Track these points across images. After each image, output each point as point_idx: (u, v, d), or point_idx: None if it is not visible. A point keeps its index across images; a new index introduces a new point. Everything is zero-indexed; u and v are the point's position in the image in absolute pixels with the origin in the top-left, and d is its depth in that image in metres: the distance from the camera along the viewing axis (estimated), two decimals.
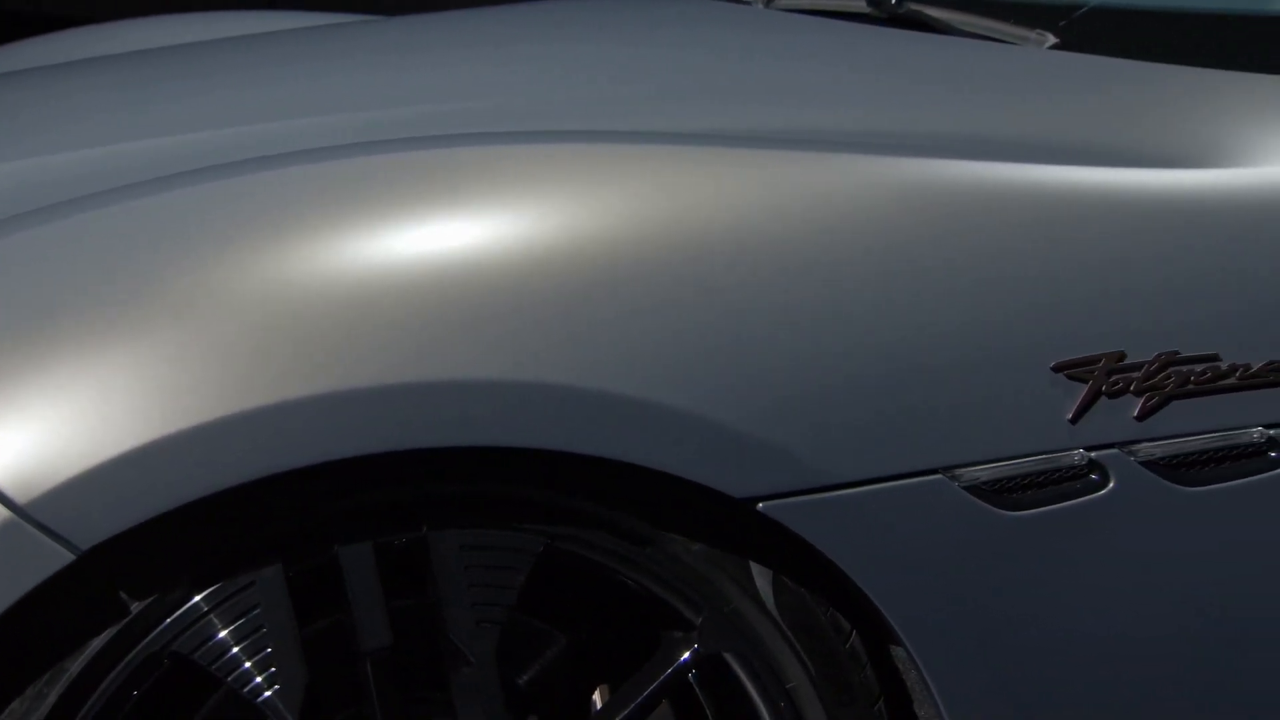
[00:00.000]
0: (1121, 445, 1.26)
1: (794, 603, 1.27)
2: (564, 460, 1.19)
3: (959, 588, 1.24)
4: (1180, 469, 1.28)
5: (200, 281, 1.13)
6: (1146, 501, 1.27)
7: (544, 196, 1.19)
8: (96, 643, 1.15)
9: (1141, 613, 1.28)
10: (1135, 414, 1.26)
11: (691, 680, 1.29)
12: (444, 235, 1.16)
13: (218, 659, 1.17)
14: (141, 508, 1.11)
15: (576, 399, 1.16)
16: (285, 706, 1.17)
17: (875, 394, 1.21)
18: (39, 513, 1.09)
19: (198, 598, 1.18)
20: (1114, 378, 1.26)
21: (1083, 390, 1.25)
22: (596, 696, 1.36)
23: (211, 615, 1.17)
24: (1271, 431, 1.29)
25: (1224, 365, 1.27)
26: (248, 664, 1.17)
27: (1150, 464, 1.27)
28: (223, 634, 1.17)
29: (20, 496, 1.08)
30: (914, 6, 1.74)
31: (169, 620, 1.17)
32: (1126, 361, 1.26)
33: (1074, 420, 1.25)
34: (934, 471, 1.23)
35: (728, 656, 1.27)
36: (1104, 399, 1.25)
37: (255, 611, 1.17)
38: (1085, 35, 1.57)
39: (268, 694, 1.17)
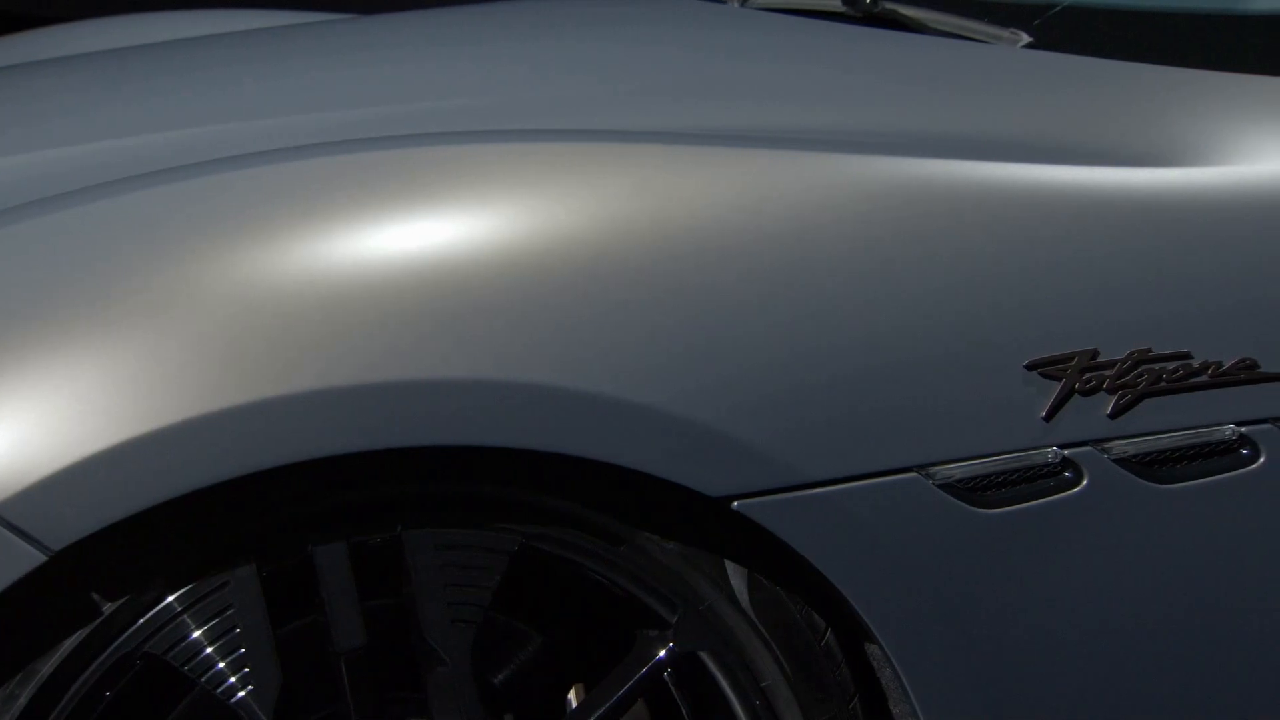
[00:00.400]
0: (1095, 443, 1.27)
1: (769, 601, 1.27)
2: (539, 459, 1.19)
3: (934, 585, 1.25)
4: (1153, 466, 1.28)
5: (173, 280, 1.12)
6: (1120, 499, 1.27)
7: (520, 195, 1.19)
8: (68, 643, 1.15)
9: (1115, 609, 1.29)
10: (1108, 412, 1.27)
11: (667, 679, 1.29)
12: (419, 234, 1.16)
13: (191, 659, 1.17)
14: (114, 508, 1.10)
15: (551, 398, 1.16)
16: (259, 707, 1.17)
17: (850, 393, 1.21)
18: (10, 513, 1.08)
19: (171, 598, 1.17)
20: (1087, 376, 1.26)
21: (1056, 388, 1.26)
22: (572, 695, 1.36)
23: (185, 615, 1.17)
24: (1243, 429, 1.29)
25: (1196, 363, 1.28)
26: (221, 664, 1.17)
27: (1123, 461, 1.27)
28: (196, 634, 1.17)
29: None
30: (889, 5, 1.74)
31: (142, 621, 1.16)
32: (1099, 359, 1.26)
33: (1048, 418, 1.26)
34: (908, 470, 1.23)
35: (703, 655, 1.27)
36: (1077, 397, 1.26)
37: (229, 612, 1.17)
38: (1059, 34, 1.58)
39: (241, 694, 1.17)
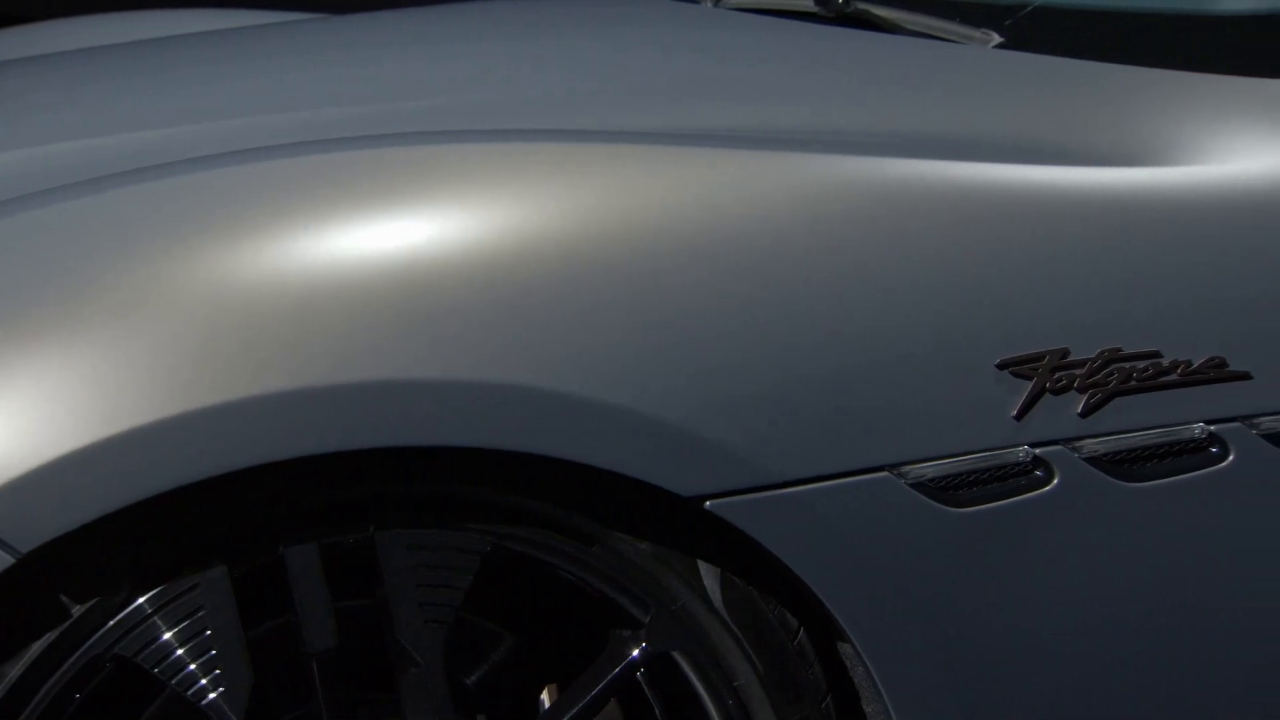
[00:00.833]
0: (1066, 442, 1.27)
1: (742, 600, 1.28)
2: (511, 459, 1.18)
3: (906, 584, 1.25)
4: (1123, 465, 1.29)
5: (145, 280, 1.12)
6: (1090, 497, 1.28)
7: (492, 195, 1.19)
8: (37, 646, 1.14)
9: (1087, 608, 1.29)
10: (1079, 410, 1.27)
11: (640, 679, 1.29)
12: (391, 234, 1.16)
13: (162, 661, 1.16)
14: (84, 510, 1.10)
15: (524, 398, 1.15)
16: (230, 708, 1.16)
17: (822, 392, 1.21)
18: None
19: (141, 600, 1.17)
20: (1058, 375, 1.26)
21: (1027, 387, 1.26)
22: (545, 696, 1.36)
23: (156, 617, 1.16)
24: (1212, 427, 1.30)
25: (1165, 362, 1.29)
26: (192, 666, 1.16)
27: (1094, 460, 1.28)
28: (167, 636, 1.17)
29: None
30: (861, 6, 1.74)
31: (112, 623, 1.16)
32: (1070, 359, 1.27)
33: (1019, 417, 1.26)
34: (880, 469, 1.24)
35: (676, 655, 1.27)
36: (1048, 396, 1.26)
37: (200, 613, 1.17)
38: (1030, 34, 1.58)
39: (212, 696, 1.16)
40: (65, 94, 1.68)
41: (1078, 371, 1.27)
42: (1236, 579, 1.32)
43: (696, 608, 1.27)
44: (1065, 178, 1.30)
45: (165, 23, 2.32)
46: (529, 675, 1.35)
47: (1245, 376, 1.30)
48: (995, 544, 1.26)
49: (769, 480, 1.21)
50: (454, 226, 1.17)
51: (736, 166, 1.24)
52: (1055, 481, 1.27)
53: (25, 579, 1.12)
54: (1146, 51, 1.51)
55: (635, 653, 1.26)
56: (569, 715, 1.25)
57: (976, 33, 1.60)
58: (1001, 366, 1.25)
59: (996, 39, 1.58)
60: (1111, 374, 1.27)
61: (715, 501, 1.21)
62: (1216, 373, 1.29)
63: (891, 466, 1.24)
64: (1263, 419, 1.31)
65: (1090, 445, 1.28)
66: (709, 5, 2.00)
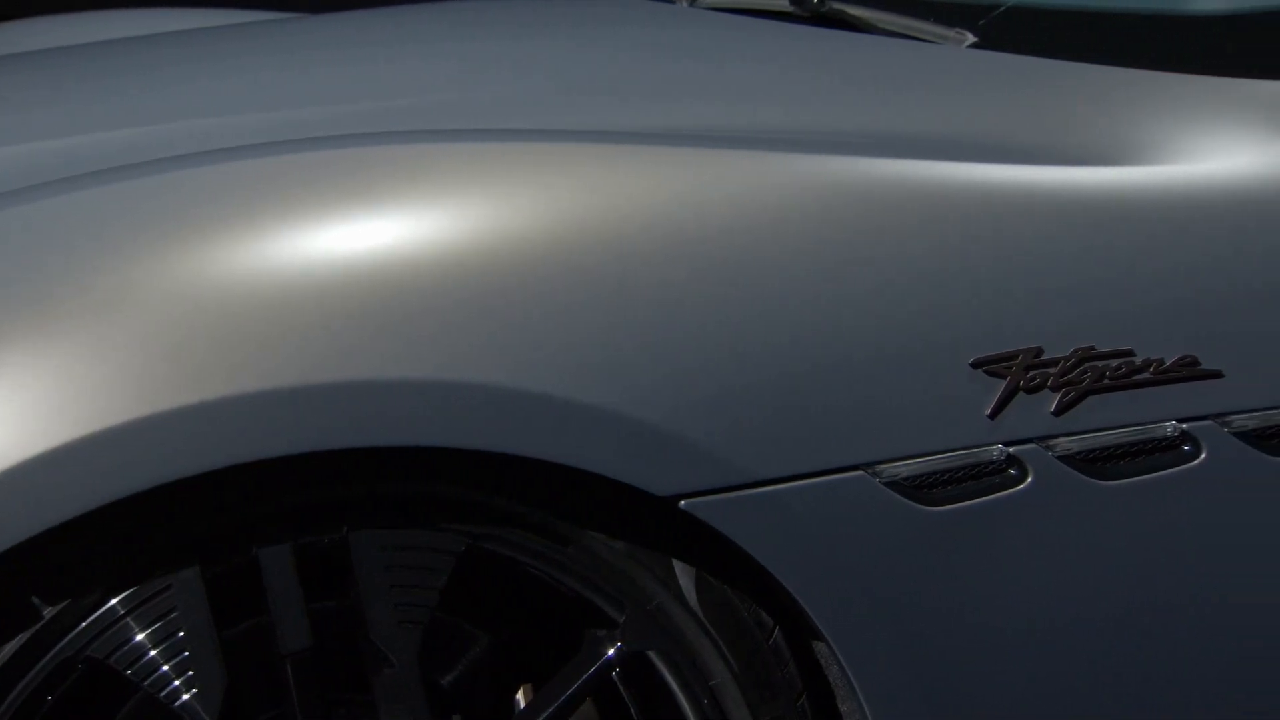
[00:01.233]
0: (1039, 440, 1.28)
1: (717, 600, 1.28)
2: (485, 459, 1.18)
3: (881, 583, 1.25)
4: (1096, 463, 1.29)
5: (118, 280, 1.11)
6: (1064, 496, 1.28)
7: (467, 195, 1.19)
8: (8, 648, 1.14)
9: (1060, 606, 1.30)
10: (1052, 409, 1.28)
11: (615, 678, 1.29)
12: (365, 234, 1.16)
13: (135, 663, 1.16)
14: (55, 511, 1.09)
15: (497, 398, 1.15)
16: (204, 710, 1.16)
17: (796, 391, 1.22)
18: None
19: (114, 601, 1.16)
20: (1031, 373, 1.27)
21: (1001, 386, 1.26)
22: (520, 696, 1.35)
23: (128, 619, 1.16)
24: (1184, 425, 1.30)
25: (1138, 360, 1.29)
26: (165, 667, 1.16)
27: (1067, 458, 1.28)
28: (140, 637, 1.16)
29: None
30: (836, 5, 1.75)
31: (84, 624, 1.15)
32: (1044, 357, 1.27)
33: (993, 416, 1.26)
34: (855, 468, 1.24)
35: (651, 654, 1.27)
36: (1022, 394, 1.27)
37: (173, 615, 1.16)
38: (1004, 34, 1.59)
39: (186, 697, 1.16)
40: (40, 93, 1.67)
41: (1051, 370, 1.27)
42: (1208, 577, 1.33)
43: (672, 607, 1.27)
44: (1039, 177, 1.30)
45: (141, 22, 2.32)
46: (504, 675, 1.35)
47: (1217, 375, 1.31)
48: (969, 543, 1.27)
49: (743, 479, 1.21)
50: (429, 226, 1.17)
51: (711, 166, 1.24)
52: (1029, 480, 1.27)
53: None
54: (1120, 51, 1.52)
55: (610, 652, 1.26)
56: (544, 715, 1.25)
57: (951, 32, 1.61)
58: (975, 365, 1.26)
59: (970, 39, 1.59)
60: (1085, 373, 1.28)
61: (690, 501, 1.21)
62: (1189, 371, 1.30)
63: (866, 466, 1.24)
64: (1234, 417, 1.31)
65: (1064, 444, 1.28)
66: (684, 5, 2.00)
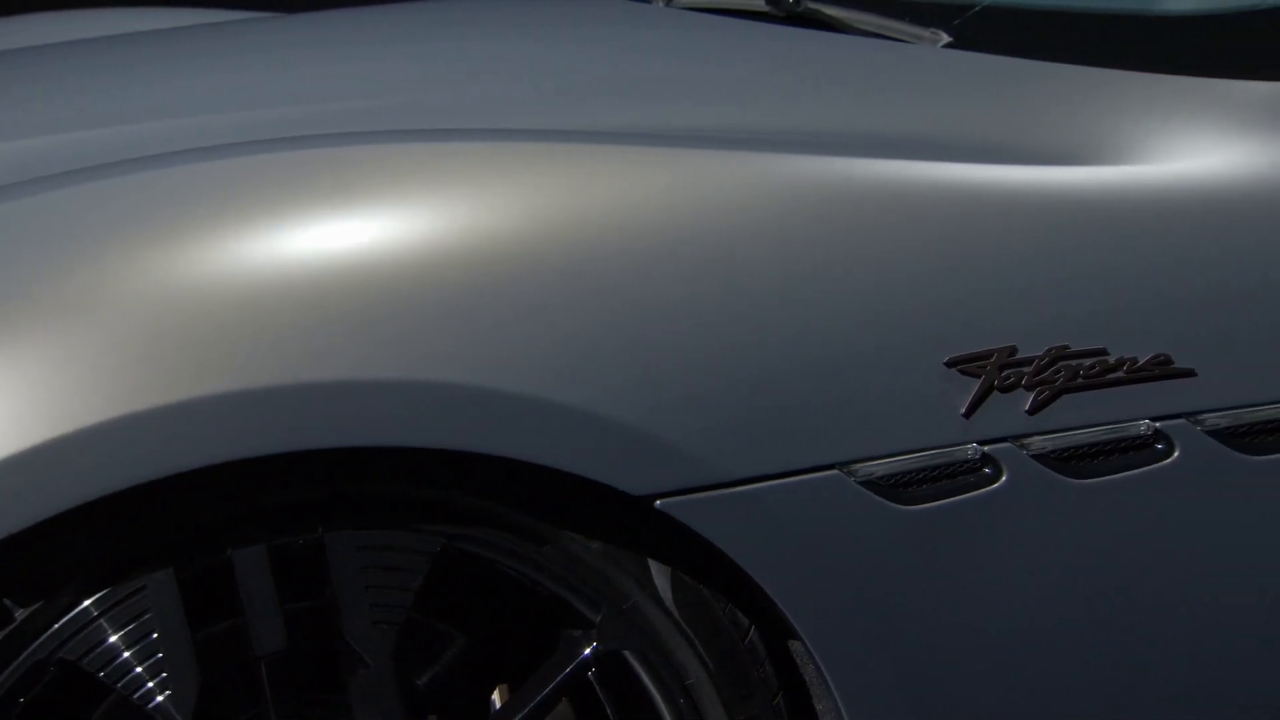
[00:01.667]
0: (1014, 439, 1.28)
1: (692, 599, 1.28)
2: (460, 460, 1.18)
3: (856, 582, 1.25)
4: (1070, 462, 1.29)
5: (90, 281, 1.11)
6: (1038, 494, 1.28)
7: (440, 195, 1.19)
8: None
9: (1036, 604, 1.30)
10: (1027, 408, 1.28)
11: (591, 678, 1.29)
12: (337, 235, 1.15)
13: (108, 665, 1.15)
14: (26, 512, 1.09)
15: (472, 398, 1.15)
16: (178, 711, 1.15)
17: (771, 390, 1.22)
18: None
19: (87, 602, 1.16)
20: (1006, 372, 1.27)
21: (975, 385, 1.27)
22: (496, 696, 1.35)
23: (101, 620, 1.16)
24: (1158, 424, 1.31)
25: (1112, 359, 1.29)
26: (139, 669, 1.16)
27: (1041, 457, 1.29)
28: (113, 639, 1.16)
29: None
30: (812, 5, 1.75)
31: (56, 626, 1.15)
32: (1018, 356, 1.27)
33: (967, 415, 1.27)
34: (830, 467, 1.24)
35: (627, 654, 1.27)
36: (996, 393, 1.27)
37: (146, 616, 1.16)
38: (979, 34, 1.59)
39: (160, 699, 1.16)
40: (15, 91, 1.66)
41: (1026, 369, 1.27)
42: (1182, 574, 1.33)
43: (648, 607, 1.27)
44: (1013, 177, 1.31)
45: (116, 21, 2.31)
46: (480, 676, 1.35)
47: (1190, 373, 1.31)
48: (944, 541, 1.27)
49: (719, 479, 1.21)
50: (403, 226, 1.17)
51: (685, 166, 1.24)
52: (1003, 479, 1.28)
53: None
54: (1094, 51, 1.52)
55: (586, 652, 1.26)
56: (520, 715, 1.25)
57: (925, 32, 1.61)
58: (950, 364, 1.26)
59: (945, 38, 1.59)
60: (1059, 371, 1.28)
61: (665, 500, 1.21)
62: (1162, 370, 1.30)
63: (841, 465, 1.24)
64: (1207, 415, 1.32)
65: (1038, 442, 1.29)
66: (659, 4, 2.00)
